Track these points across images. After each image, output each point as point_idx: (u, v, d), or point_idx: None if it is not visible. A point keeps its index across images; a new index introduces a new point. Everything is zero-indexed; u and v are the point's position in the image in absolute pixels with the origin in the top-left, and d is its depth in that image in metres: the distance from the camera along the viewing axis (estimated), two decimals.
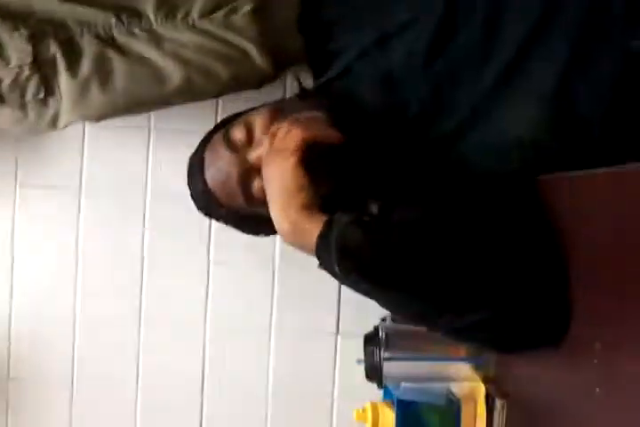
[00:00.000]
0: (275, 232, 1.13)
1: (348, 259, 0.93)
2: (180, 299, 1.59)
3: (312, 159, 1.01)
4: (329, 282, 1.01)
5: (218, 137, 1.14)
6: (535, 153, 1.03)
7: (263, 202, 1.07)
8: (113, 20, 1.23)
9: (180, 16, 1.23)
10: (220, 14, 1.23)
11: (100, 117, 1.27)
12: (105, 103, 1.23)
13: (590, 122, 0.98)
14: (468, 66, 1.03)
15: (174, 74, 1.22)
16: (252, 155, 1.09)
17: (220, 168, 1.11)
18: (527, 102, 0.99)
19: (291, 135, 1.01)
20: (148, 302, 1.60)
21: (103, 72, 1.22)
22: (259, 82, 1.26)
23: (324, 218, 0.97)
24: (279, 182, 1.00)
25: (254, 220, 1.14)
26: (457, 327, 0.99)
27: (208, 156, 1.14)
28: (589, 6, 0.94)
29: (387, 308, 1.04)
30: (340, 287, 1.56)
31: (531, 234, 1.02)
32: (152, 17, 1.23)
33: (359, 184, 1.12)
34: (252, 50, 1.22)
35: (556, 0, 0.96)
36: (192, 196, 1.18)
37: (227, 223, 1.20)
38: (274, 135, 1.05)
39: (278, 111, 1.12)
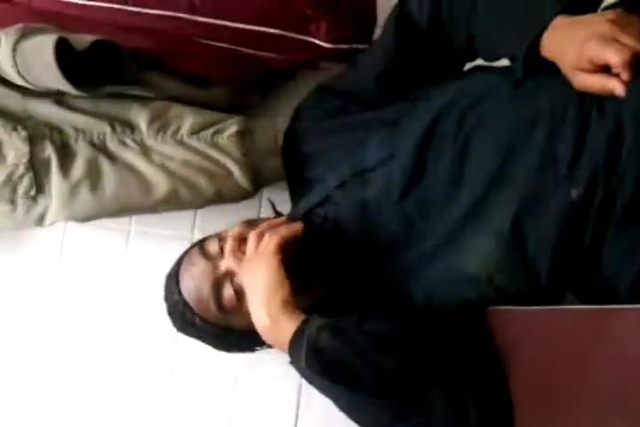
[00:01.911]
0: (247, 349, 1.20)
1: (317, 359, 0.99)
2: None
3: (290, 260, 1.08)
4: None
5: (194, 250, 1.21)
6: (490, 289, 1.10)
7: (234, 311, 1.13)
8: (107, 130, 1.32)
9: (170, 132, 1.33)
10: (207, 133, 1.33)
11: (85, 219, 1.34)
12: (93, 206, 1.30)
13: (538, 266, 1.06)
14: (436, 204, 1.12)
15: (161, 185, 1.30)
16: (224, 263, 1.15)
17: (193, 275, 1.17)
18: (485, 240, 1.07)
19: (266, 239, 1.09)
20: None
21: (94, 177, 1.29)
22: (238, 197, 1.35)
23: (303, 317, 1.03)
24: (262, 279, 1.06)
25: (227, 332, 1.19)
26: None
27: (184, 265, 1.20)
28: (539, 163, 1.04)
29: (348, 413, 1.09)
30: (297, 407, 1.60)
31: (478, 357, 1.09)
32: (144, 130, 1.32)
33: (335, 291, 1.18)
34: (235, 168, 1.31)
35: (512, 154, 1.06)
36: (167, 309, 1.23)
37: (201, 338, 1.23)
38: (259, 237, 1.11)
39: (251, 224, 1.19)
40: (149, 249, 1.59)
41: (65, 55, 1.21)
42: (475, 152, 1.08)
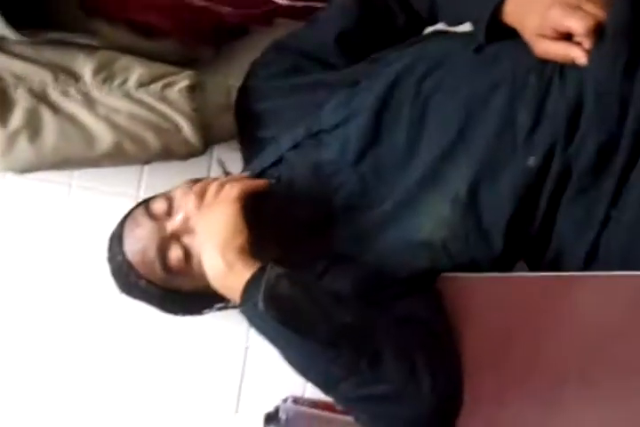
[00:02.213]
0: (195, 312, 1.17)
1: (274, 304, 0.97)
2: None
3: (248, 210, 1.06)
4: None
5: (139, 210, 1.17)
6: (444, 255, 1.09)
7: (181, 273, 1.10)
8: (49, 79, 1.26)
9: (116, 83, 1.28)
10: (157, 86, 1.28)
11: (24, 170, 1.29)
12: (31, 157, 1.25)
13: (492, 234, 1.05)
14: (393, 167, 1.10)
15: (105, 138, 1.25)
16: (171, 224, 1.12)
17: (138, 237, 1.13)
18: (442, 204, 1.06)
19: (227, 189, 1.07)
20: None
21: (33, 127, 1.24)
22: (187, 154, 1.31)
23: (259, 265, 1.01)
24: (218, 226, 1.03)
25: (173, 294, 1.15)
26: (354, 397, 1.04)
27: (128, 226, 1.16)
28: (498, 129, 1.03)
29: (294, 365, 1.07)
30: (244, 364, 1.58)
31: (430, 323, 1.08)
32: (89, 80, 1.27)
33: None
34: (184, 124, 1.27)
35: (471, 119, 1.05)
36: (111, 271, 1.18)
37: (147, 300, 1.19)
38: (202, 193, 1.09)
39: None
40: (92, 205, 1.54)
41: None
42: (433, 116, 1.07)
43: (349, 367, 1.01)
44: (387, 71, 1.11)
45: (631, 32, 0.95)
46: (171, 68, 1.31)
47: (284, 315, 0.98)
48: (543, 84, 1.00)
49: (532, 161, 1.01)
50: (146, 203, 1.17)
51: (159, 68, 1.31)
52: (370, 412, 1.07)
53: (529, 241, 1.06)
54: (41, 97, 1.26)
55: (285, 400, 1.48)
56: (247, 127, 1.25)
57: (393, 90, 1.09)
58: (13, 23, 1.17)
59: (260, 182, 1.11)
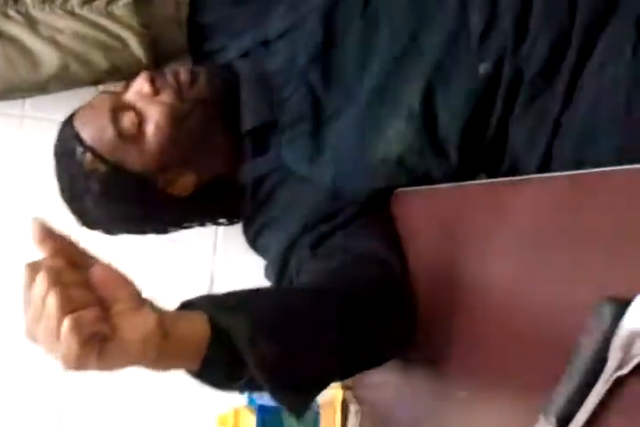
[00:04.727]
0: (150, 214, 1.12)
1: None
2: None
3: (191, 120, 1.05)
4: None
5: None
6: (400, 171, 1.05)
7: (134, 140, 1.05)
8: None
9: (58, 1, 1.20)
10: (100, 3, 1.21)
11: None
12: None
13: (448, 145, 1.01)
14: (344, 80, 1.06)
15: (50, 60, 1.19)
16: (129, 95, 1.08)
17: (92, 105, 1.09)
18: (397, 117, 1.02)
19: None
20: None
21: None
22: (136, 73, 1.23)
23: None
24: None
25: (120, 173, 1.07)
26: None
27: (80, 108, 1.11)
28: (451, 33, 0.99)
29: None
30: None
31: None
32: (29, 0, 1.19)
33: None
34: (132, 40, 1.20)
35: (423, 22, 1.00)
36: (56, 160, 1.11)
37: (91, 195, 1.09)
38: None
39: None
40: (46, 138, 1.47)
41: None
42: (385, 19, 1.03)
43: None
44: None
45: None
46: None
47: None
48: None
49: (482, 68, 0.97)
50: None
51: None
52: None
53: (484, 152, 1.02)
54: None
55: None
56: (196, 41, 1.20)
57: None
58: None
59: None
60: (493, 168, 1.04)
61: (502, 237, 0.83)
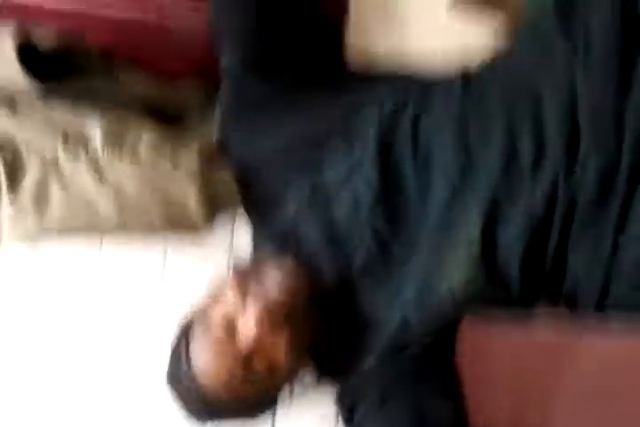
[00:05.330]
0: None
1: None
2: None
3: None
4: None
5: (199, 328, 1.09)
6: (465, 300, 1.03)
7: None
8: (59, 142, 1.21)
9: (126, 147, 1.22)
10: (166, 149, 1.22)
11: (29, 241, 1.24)
12: (37, 231, 1.21)
13: (508, 270, 1.01)
14: (409, 218, 1.07)
15: (109, 217, 1.20)
16: (244, 340, 1.04)
17: (212, 351, 1.06)
18: (459, 248, 1.02)
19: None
20: None
21: (41, 202, 1.20)
22: (187, 232, 1.24)
23: None
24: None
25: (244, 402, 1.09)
26: None
27: (194, 346, 1.08)
28: (500, 171, 1.01)
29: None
30: None
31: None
32: (99, 144, 1.22)
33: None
34: (192, 199, 1.20)
35: (470, 160, 1.03)
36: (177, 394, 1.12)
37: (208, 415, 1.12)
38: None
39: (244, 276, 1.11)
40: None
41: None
42: (436, 159, 1.06)
43: None
44: (373, 116, 1.09)
45: (620, 53, 0.96)
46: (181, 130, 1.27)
47: None
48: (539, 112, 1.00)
49: (538, 194, 0.99)
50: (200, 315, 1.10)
51: (168, 130, 1.26)
52: None
53: (544, 279, 1.02)
54: (51, 164, 1.22)
55: None
56: (249, 194, 1.22)
57: (389, 134, 1.08)
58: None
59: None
60: (555, 293, 1.02)
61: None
